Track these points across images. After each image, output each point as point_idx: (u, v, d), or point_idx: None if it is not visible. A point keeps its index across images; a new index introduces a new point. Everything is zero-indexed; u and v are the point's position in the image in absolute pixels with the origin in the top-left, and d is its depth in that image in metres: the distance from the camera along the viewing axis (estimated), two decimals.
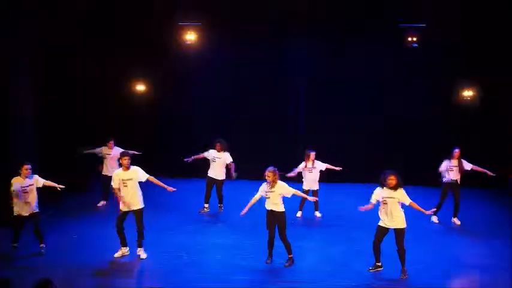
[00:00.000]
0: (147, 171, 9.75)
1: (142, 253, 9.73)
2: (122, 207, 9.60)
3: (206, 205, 12.61)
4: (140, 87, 15.56)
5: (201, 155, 12.64)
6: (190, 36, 14.52)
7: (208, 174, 12.57)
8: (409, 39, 14.42)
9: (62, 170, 11.68)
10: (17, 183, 9.51)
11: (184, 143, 15.01)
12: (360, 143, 15.12)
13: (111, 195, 12.05)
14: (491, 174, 11.80)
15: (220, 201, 12.76)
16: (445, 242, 10.79)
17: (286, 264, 9.43)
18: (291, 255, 9.49)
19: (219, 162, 12.42)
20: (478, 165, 11.87)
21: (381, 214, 9.02)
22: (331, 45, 14.81)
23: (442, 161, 11.90)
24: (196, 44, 14.61)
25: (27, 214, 9.61)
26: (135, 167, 9.70)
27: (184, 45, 14.60)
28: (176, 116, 15.68)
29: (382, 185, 8.96)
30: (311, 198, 10.36)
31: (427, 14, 14.21)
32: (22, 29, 11.42)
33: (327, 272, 9.12)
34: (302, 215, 12.31)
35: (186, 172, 14.77)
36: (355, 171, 14.67)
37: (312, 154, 12.17)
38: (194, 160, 12.70)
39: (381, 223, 9.05)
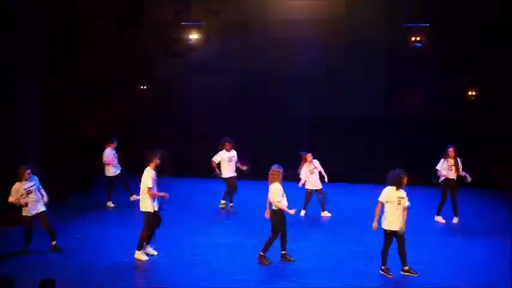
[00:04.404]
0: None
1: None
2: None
3: (231, 204, 12.73)
4: (145, 87, 15.58)
5: (215, 163, 12.48)
6: (193, 36, 14.63)
7: (231, 175, 12.51)
8: (413, 38, 14.41)
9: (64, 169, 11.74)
10: (20, 188, 9.47)
11: (184, 143, 15.05)
12: (360, 142, 15.10)
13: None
14: (470, 179, 11.65)
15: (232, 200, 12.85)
16: (445, 242, 10.77)
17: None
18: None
19: (234, 160, 12.55)
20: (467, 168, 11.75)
21: (392, 215, 8.79)
22: (332, 45, 14.78)
23: (440, 160, 11.82)
24: (199, 43, 14.71)
25: (34, 214, 9.63)
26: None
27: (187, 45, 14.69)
28: (177, 115, 15.69)
29: (397, 186, 8.81)
30: (290, 212, 9.44)
31: (431, 13, 14.19)
32: (25, 28, 11.45)
33: (328, 272, 9.13)
34: (305, 213, 12.33)
35: (187, 172, 14.83)
36: (356, 171, 14.72)
37: (309, 155, 12.15)
38: (217, 169, 12.51)
39: (391, 227, 8.80)
